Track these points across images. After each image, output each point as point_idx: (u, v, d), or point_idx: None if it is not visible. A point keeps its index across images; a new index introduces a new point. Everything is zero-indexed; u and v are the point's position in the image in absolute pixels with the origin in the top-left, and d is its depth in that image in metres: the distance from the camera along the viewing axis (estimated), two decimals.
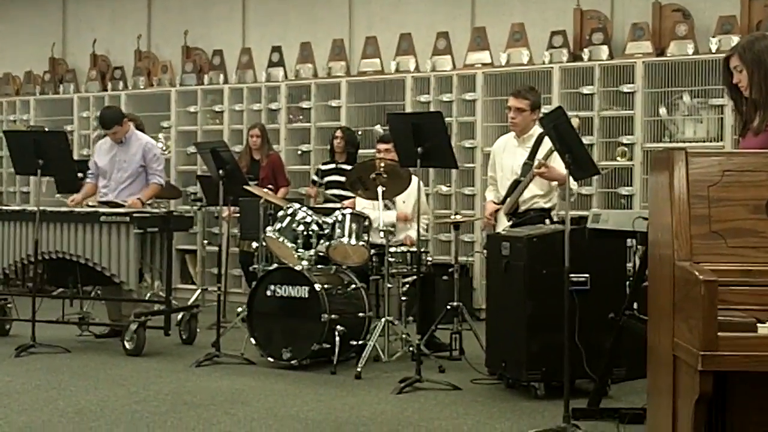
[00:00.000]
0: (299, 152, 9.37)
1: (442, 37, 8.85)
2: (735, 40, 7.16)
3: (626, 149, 7.80)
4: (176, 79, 10.28)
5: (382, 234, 6.20)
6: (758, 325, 2.83)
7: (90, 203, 7.17)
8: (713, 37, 7.62)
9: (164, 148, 9.87)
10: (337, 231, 6.34)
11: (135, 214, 6.56)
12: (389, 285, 6.26)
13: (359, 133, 8.80)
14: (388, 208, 6.95)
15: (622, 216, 4.66)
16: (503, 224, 6.05)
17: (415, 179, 6.41)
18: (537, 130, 5.99)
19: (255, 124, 8.96)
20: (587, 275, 5.09)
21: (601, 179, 7.80)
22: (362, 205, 6.97)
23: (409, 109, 8.60)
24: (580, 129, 6.00)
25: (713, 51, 7.54)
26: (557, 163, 5.38)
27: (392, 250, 6.33)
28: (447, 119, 7.56)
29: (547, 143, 5.63)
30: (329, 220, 6.41)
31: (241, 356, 6.25)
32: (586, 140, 7.27)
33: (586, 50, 8.10)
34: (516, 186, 6.01)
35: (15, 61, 11.57)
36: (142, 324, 6.53)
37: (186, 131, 9.95)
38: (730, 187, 3.11)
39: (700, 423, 2.89)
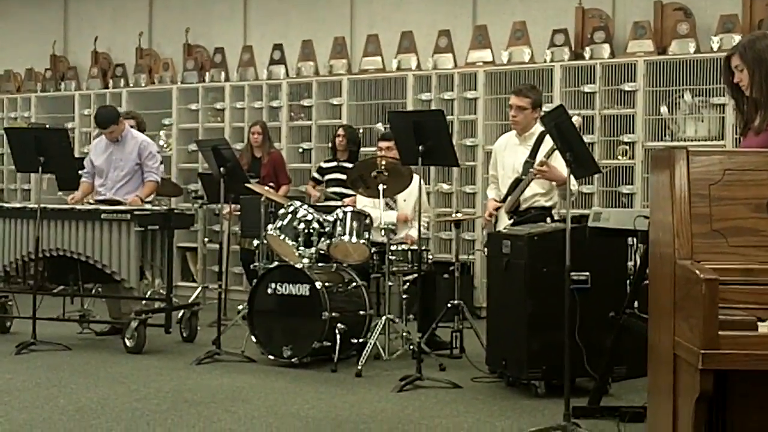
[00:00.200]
0: (300, 150, 9.37)
1: (444, 35, 8.84)
2: (736, 39, 7.15)
3: (627, 148, 7.80)
4: (177, 77, 10.28)
5: (383, 232, 6.20)
6: (759, 323, 2.83)
7: (88, 202, 7.18)
8: (714, 35, 7.61)
9: (165, 145, 9.87)
10: (338, 229, 6.34)
11: (136, 212, 6.56)
12: (390, 283, 6.26)
13: (360, 131, 8.80)
14: (390, 207, 6.95)
15: (623, 214, 4.66)
16: (504, 222, 6.05)
17: (416, 177, 6.41)
18: (538, 128, 5.98)
19: (256, 122, 8.96)
20: (588, 274, 5.09)
21: (602, 178, 7.80)
22: (362, 203, 6.97)
23: (410, 108, 8.60)
24: (581, 127, 5.99)
25: (714, 50, 7.53)
26: (558, 162, 5.37)
27: (393, 248, 6.33)
28: (448, 117, 7.56)
29: (548, 142, 5.62)
30: (330, 218, 6.41)
31: (241, 354, 6.25)
32: (587, 139, 7.27)
33: (587, 48, 8.10)
34: (517, 184, 6.00)
35: (16, 58, 11.57)
36: (143, 321, 6.53)
37: (187, 129, 9.95)
38: (731, 186, 3.11)
39: (701, 422, 2.89)
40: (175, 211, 7.06)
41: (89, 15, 11.45)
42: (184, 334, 7.03)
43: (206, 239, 9.25)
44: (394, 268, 6.39)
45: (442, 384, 5.47)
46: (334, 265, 6.44)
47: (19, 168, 7.21)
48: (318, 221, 6.41)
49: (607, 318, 4.66)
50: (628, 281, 5.23)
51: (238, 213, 8.17)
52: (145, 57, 10.75)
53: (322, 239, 6.39)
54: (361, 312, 6.25)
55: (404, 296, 6.60)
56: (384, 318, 6.19)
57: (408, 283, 6.67)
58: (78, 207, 6.83)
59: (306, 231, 6.37)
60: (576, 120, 5.02)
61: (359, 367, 5.84)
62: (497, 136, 6.85)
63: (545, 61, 8.22)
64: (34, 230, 6.63)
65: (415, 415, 4.88)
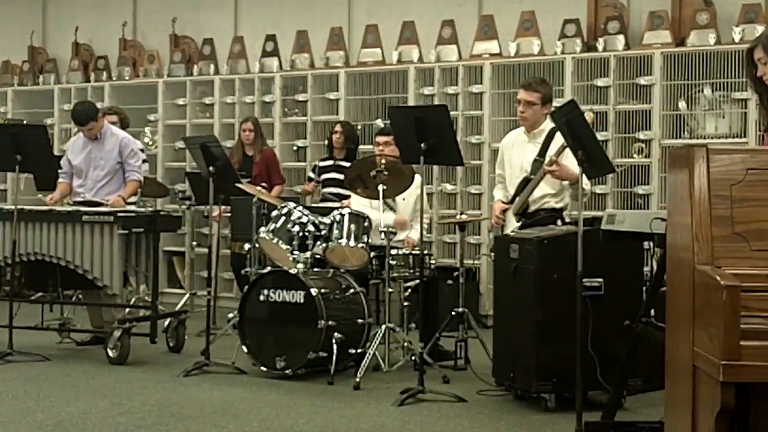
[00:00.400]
0: (295, 148, 9.38)
1: (448, 26, 8.85)
2: (759, 29, 7.17)
3: (643, 145, 7.80)
4: (164, 70, 10.28)
5: (382, 235, 6.20)
6: None
7: (66, 202, 7.18)
8: (736, 26, 7.62)
9: (150, 143, 9.87)
10: (335, 232, 6.34)
11: (119, 214, 6.56)
12: (390, 289, 6.26)
13: (359, 127, 8.80)
14: (390, 207, 6.95)
15: (639, 217, 4.66)
16: (512, 225, 6.06)
17: (417, 177, 6.41)
18: (548, 124, 5.99)
19: (247, 118, 8.97)
20: (601, 280, 5.09)
21: (616, 177, 7.80)
22: (358, 204, 6.96)
23: (411, 102, 8.60)
24: (594, 124, 6.00)
25: (736, 41, 7.54)
26: (569, 161, 5.38)
27: (393, 252, 6.33)
28: (452, 113, 7.54)
29: (558, 139, 5.63)
30: (326, 220, 6.41)
31: (232, 365, 6.25)
32: (600, 136, 7.28)
33: (600, 40, 8.10)
34: (526, 184, 6.01)
35: None
36: (127, 331, 6.53)
37: (174, 125, 9.96)
38: (753, 187, 3.11)
39: None
40: (161, 212, 7.07)
41: (69, 4, 11.46)
42: (171, 344, 7.03)
43: (194, 243, 9.26)
44: (395, 274, 6.39)
45: (445, 397, 5.48)
46: (331, 270, 6.44)
47: None
48: (313, 223, 6.41)
49: (621, 327, 4.65)
50: (644, 288, 5.24)
51: (229, 215, 8.18)
52: (129, 48, 10.75)
53: (318, 243, 6.39)
54: (360, 320, 6.25)
55: (405, 303, 6.60)
56: (384, 327, 6.19)
57: (409, 290, 6.67)
58: (57, 208, 6.84)
59: (301, 234, 6.38)
60: (588, 116, 5.02)
61: (357, 380, 5.84)
62: (504, 133, 6.85)
63: (556, 53, 8.23)
64: (11, 233, 6.63)
65: (416, 431, 4.89)
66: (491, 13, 8.79)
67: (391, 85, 8.98)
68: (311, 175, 8.65)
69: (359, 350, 6.16)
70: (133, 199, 7.48)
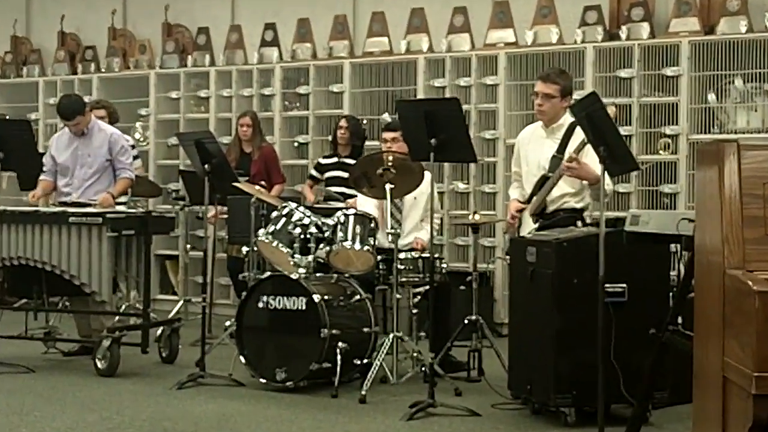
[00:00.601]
0: (296, 144, 9.38)
1: (460, 13, 8.85)
2: None
3: (669, 141, 7.79)
4: (156, 61, 10.29)
5: (390, 237, 6.20)
6: None
7: (51, 203, 7.19)
8: None
9: (142, 139, 9.89)
10: (339, 234, 6.34)
11: (108, 215, 6.56)
12: (398, 296, 6.25)
13: (364, 122, 8.80)
14: (399, 209, 6.95)
15: (665, 217, 4.66)
16: (529, 226, 6.05)
17: (428, 175, 6.41)
18: (567, 119, 5.98)
19: (245, 112, 8.97)
20: (625, 285, 5.09)
21: (640, 175, 7.79)
22: (364, 204, 6.96)
23: (421, 95, 8.60)
24: (617, 118, 5.99)
25: None
26: (590, 158, 5.37)
27: (402, 256, 6.33)
28: (465, 106, 7.56)
29: (578, 134, 5.62)
30: (330, 221, 6.41)
31: (228, 377, 6.25)
32: (623, 131, 7.27)
33: (624, 28, 8.09)
34: (543, 183, 6.00)
35: None
36: (117, 340, 6.54)
37: (167, 120, 9.97)
38: None
39: None
40: (153, 213, 7.07)
41: None
42: (164, 355, 7.04)
43: (188, 246, 9.26)
44: (403, 279, 6.39)
45: (457, 411, 5.47)
46: (335, 275, 6.44)
47: None
48: (316, 225, 6.41)
49: (646, 335, 4.65)
50: (670, 294, 5.23)
51: (225, 216, 8.18)
52: (118, 38, 10.77)
53: (321, 246, 6.39)
54: (366, 329, 6.25)
55: (414, 311, 6.60)
56: (391, 336, 6.19)
57: (419, 296, 6.67)
58: (42, 209, 6.85)
59: (302, 236, 6.38)
60: (611, 109, 5.02)
61: (363, 392, 5.84)
62: (520, 128, 6.85)
63: (576, 42, 8.22)
64: None
65: None
66: None
67: (399, 76, 8.98)
68: (313, 173, 8.66)
69: (365, 361, 6.16)
70: (123, 199, 7.49)
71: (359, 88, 9.13)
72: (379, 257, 6.42)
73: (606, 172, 4.80)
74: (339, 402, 5.82)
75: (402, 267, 6.34)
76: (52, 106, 10.36)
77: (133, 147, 7.68)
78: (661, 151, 7.84)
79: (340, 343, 6.01)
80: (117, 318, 6.97)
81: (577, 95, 6.38)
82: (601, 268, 4.59)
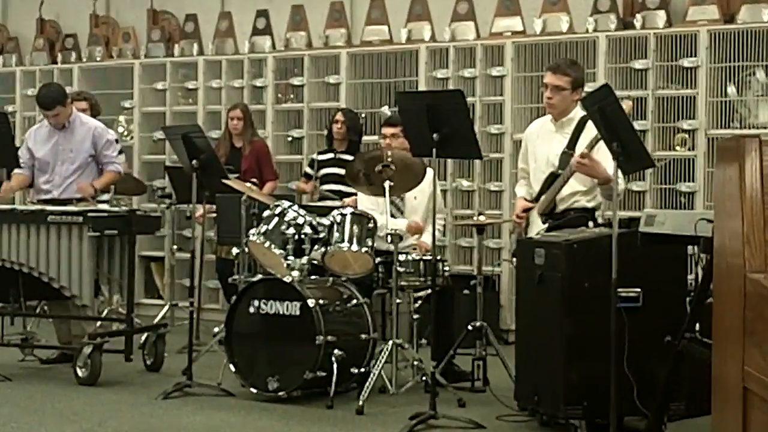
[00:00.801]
0: (289, 139, 9.38)
1: (464, 0, 8.85)
2: None
3: (687, 136, 7.79)
4: (140, 50, 10.29)
5: (389, 238, 6.20)
6: None
7: (29, 201, 7.18)
8: None
9: (125, 133, 9.89)
10: (336, 235, 6.34)
11: (90, 214, 6.56)
12: (398, 300, 6.26)
13: (362, 116, 8.81)
14: (398, 208, 6.96)
15: (682, 217, 4.66)
16: (537, 227, 6.05)
17: (429, 172, 6.41)
18: (578, 112, 5.99)
19: (236, 105, 8.97)
20: (639, 289, 5.08)
21: (656, 173, 7.80)
22: (365, 204, 6.97)
23: (422, 87, 8.61)
24: (631, 112, 5.99)
25: None
26: (603, 154, 5.38)
27: (402, 258, 6.33)
28: (469, 99, 7.57)
29: (590, 129, 5.62)
30: (326, 221, 6.41)
31: (217, 386, 6.25)
32: (638, 125, 7.28)
33: (638, 16, 8.10)
34: (553, 180, 6.00)
35: None
36: (98, 347, 6.53)
37: (152, 113, 9.97)
38: None
39: None
40: (138, 212, 7.06)
41: None
42: (148, 363, 7.04)
43: (175, 247, 9.26)
44: (403, 283, 6.39)
45: (461, 423, 5.48)
46: (331, 278, 6.45)
47: None
48: (311, 225, 6.41)
49: (662, 343, 4.66)
50: (687, 299, 5.23)
51: (214, 215, 8.18)
52: (101, 26, 10.77)
53: (316, 247, 6.39)
54: (363, 335, 6.26)
55: (415, 316, 6.60)
56: (391, 343, 6.19)
57: (420, 301, 6.68)
58: (20, 208, 6.85)
59: (296, 237, 6.38)
60: (625, 103, 5.02)
61: (360, 403, 5.84)
62: (528, 122, 6.86)
63: (587, 31, 8.22)
64: None
65: None
66: None
67: (400, 67, 8.98)
68: (308, 170, 8.66)
69: (363, 369, 6.16)
70: (105, 197, 7.47)
71: (357, 79, 9.13)
72: (378, 259, 6.42)
73: (619, 170, 4.80)
74: (335, 413, 5.82)
75: (402, 270, 6.34)
76: (31, 97, 10.38)
77: (116, 141, 7.66)
78: (677, 147, 7.85)
79: (336, 351, 6.01)
80: (99, 323, 6.96)
81: (588, 88, 6.37)
82: (613, 271, 4.59)
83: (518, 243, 5.96)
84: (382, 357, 6.17)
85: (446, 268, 6.78)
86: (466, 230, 8.45)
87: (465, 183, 8.56)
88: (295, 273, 6.29)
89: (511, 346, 6.34)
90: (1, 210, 6.79)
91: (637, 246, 4.81)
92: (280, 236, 6.39)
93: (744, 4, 7.80)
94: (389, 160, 6.34)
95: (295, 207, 6.56)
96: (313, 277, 6.43)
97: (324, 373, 6.00)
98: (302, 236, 6.39)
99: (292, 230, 6.39)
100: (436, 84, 8.65)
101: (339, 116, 8.42)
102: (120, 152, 7.55)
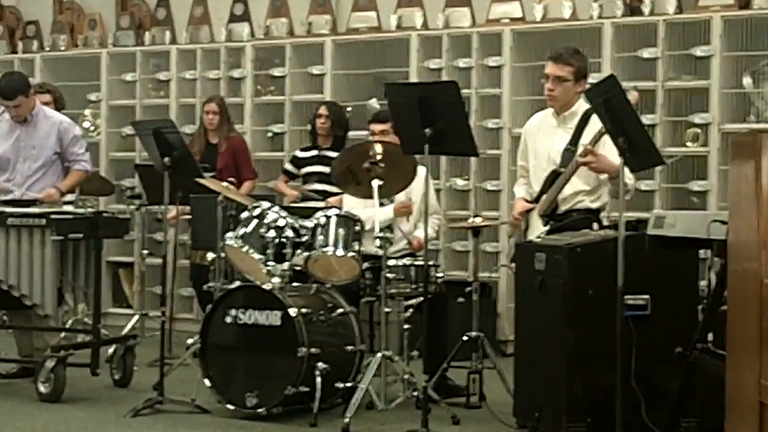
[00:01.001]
0: (269, 134, 9.38)
1: None
2: None
3: (699, 131, 7.80)
4: (108, 38, 10.27)
5: (378, 241, 6.20)
6: None
7: None
8: None
9: (92, 128, 9.87)
10: (319, 238, 6.34)
11: (53, 216, 6.54)
12: (387, 309, 6.26)
13: (348, 109, 8.80)
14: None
15: (694, 219, 4.67)
16: (537, 229, 6.06)
17: (421, 170, 6.41)
18: (582, 105, 6.00)
19: (211, 98, 8.97)
20: (647, 296, 5.10)
21: (665, 171, 7.81)
22: (351, 205, 6.96)
23: (414, 78, 8.61)
24: (639, 104, 6.00)
25: None
26: (608, 150, 5.38)
27: (392, 263, 6.33)
28: (464, 91, 7.56)
29: (595, 123, 5.64)
30: (309, 223, 6.41)
31: (191, 403, 6.24)
32: (646, 119, 7.28)
33: (647, 1, 8.10)
34: (554, 179, 6.01)
35: None
36: (62, 360, 6.52)
37: (121, 106, 9.96)
38: None
39: None
40: (105, 214, 7.05)
41: None
42: (116, 377, 7.02)
43: (145, 252, 9.24)
44: (393, 290, 6.39)
45: None
46: (314, 285, 6.44)
47: None
48: (293, 228, 6.41)
49: (672, 355, 4.67)
50: (699, 307, 5.24)
51: (188, 217, 8.17)
52: (65, 12, 10.75)
53: (298, 252, 6.39)
54: (349, 347, 6.25)
55: (406, 326, 6.60)
56: (379, 355, 6.19)
57: (411, 310, 6.67)
58: None
59: (277, 241, 6.37)
60: (632, 95, 5.03)
61: (346, 420, 5.83)
62: (528, 116, 6.86)
63: (591, 18, 8.23)
64: None
65: None
66: None
67: (389, 57, 8.99)
68: (288, 167, 8.65)
69: (349, 384, 6.15)
70: (70, 197, 7.47)
71: (342, 69, 9.13)
72: (365, 265, 6.42)
73: (626, 167, 4.81)
74: (319, 431, 5.80)
75: (392, 276, 6.34)
76: None
77: (82, 137, 7.65)
78: (689, 143, 7.85)
79: (319, 364, 6.01)
80: (62, 335, 6.96)
81: (593, 79, 6.38)
82: (619, 277, 4.59)
83: (517, 247, 5.96)
84: (370, 371, 6.16)
85: (439, 274, 6.78)
86: (461, 233, 8.44)
87: (460, 182, 8.56)
88: (276, 280, 6.28)
89: (510, 358, 6.34)
90: None
91: (645, 250, 4.82)
92: (260, 240, 6.38)
93: None
94: (378, 157, 6.33)
95: (276, 208, 6.55)
96: (295, 284, 6.43)
97: (307, 388, 6.00)
98: (283, 240, 6.38)
99: (272, 233, 6.38)
100: (428, 75, 8.65)
101: (323, 110, 8.42)
102: (86, 149, 7.53)
